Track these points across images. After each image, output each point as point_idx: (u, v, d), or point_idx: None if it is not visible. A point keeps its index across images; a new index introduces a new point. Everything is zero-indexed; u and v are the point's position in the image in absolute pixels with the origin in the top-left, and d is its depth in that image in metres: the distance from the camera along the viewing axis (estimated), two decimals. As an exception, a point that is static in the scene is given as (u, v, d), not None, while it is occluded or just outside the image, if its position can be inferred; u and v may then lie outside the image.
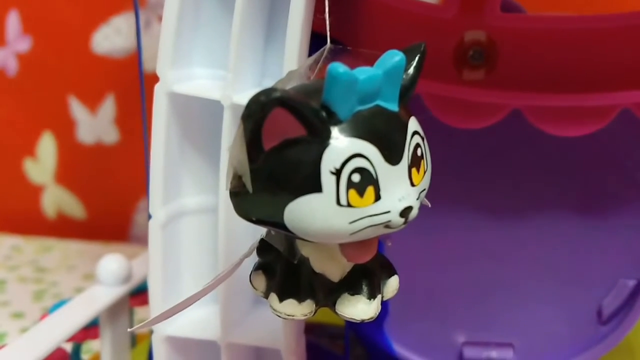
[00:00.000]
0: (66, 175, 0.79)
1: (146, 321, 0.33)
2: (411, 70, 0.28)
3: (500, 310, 0.45)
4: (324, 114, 0.26)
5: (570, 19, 0.38)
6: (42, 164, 0.79)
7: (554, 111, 0.38)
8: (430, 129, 0.40)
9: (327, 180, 0.26)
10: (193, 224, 0.41)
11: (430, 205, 0.31)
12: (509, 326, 0.45)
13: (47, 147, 0.79)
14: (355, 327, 0.47)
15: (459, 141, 0.43)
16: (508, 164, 0.44)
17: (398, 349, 0.46)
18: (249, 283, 0.31)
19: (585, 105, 0.38)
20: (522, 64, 0.39)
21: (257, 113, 0.25)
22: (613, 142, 0.43)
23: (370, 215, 0.26)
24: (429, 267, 0.45)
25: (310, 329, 0.47)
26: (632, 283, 0.44)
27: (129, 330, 0.37)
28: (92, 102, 0.76)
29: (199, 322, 0.41)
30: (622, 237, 0.44)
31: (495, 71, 0.39)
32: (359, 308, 0.29)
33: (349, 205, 0.26)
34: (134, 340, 0.53)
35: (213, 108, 0.37)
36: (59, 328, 0.43)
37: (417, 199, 0.28)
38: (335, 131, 0.26)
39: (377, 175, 0.26)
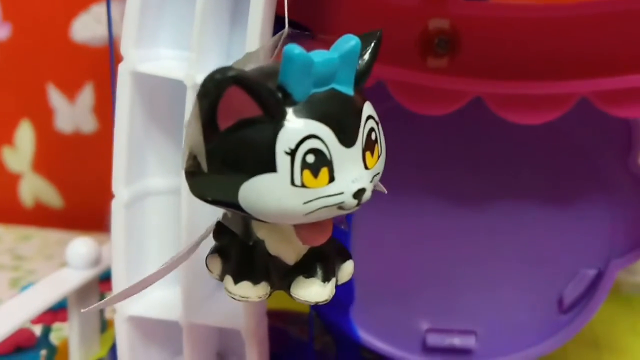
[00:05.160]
0: (44, 163, 0.79)
1: (105, 299, 0.34)
2: (366, 56, 0.29)
3: (463, 298, 0.46)
4: (279, 94, 0.26)
5: (533, 7, 0.38)
6: (20, 152, 0.79)
7: (513, 98, 0.38)
8: (396, 116, 0.40)
9: (282, 160, 0.26)
10: (157, 204, 0.41)
11: (386, 192, 0.31)
12: (472, 314, 0.46)
13: (25, 135, 0.78)
14: (321, 314, 0.47)
15: (424, 128, 0.43)
16: (472, 150, 0.44)
17: (363, 335, 0.46)
18: (206, 266, 0.31)
19: (544, 93, 0.38)
20: (485, 51, 0.39)
21: (212, 91, 0.25)
22: (575, 131, 0.43)
23: (324, 196, 0.26)
24: (393, 253, 0.46)
25: (278, 316, 0.48)
26: (592, 272, 0.44)
27: (82, 310, 0.37)
28: (70, 91, 0.76)
29: (161, 302, 0.41)
30: (583, 226, 0.44)
31: (458, 59, 0.39)
32: (313, 290, 0.30)
33: (303, 185, 0.26)
34: (105, 325, 0.53)
35: (178, 89, 0.37)
36: (25, 308, 0.43)
37: (371, 181, 0.28)
38: (290, 112, 0.26)
39: (331, 157, 0.26)
